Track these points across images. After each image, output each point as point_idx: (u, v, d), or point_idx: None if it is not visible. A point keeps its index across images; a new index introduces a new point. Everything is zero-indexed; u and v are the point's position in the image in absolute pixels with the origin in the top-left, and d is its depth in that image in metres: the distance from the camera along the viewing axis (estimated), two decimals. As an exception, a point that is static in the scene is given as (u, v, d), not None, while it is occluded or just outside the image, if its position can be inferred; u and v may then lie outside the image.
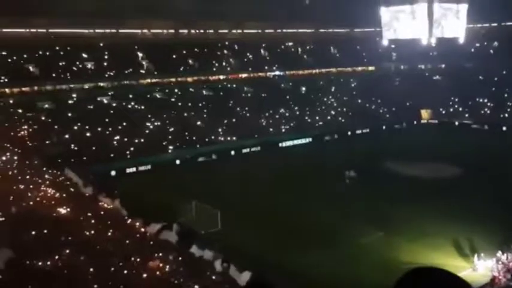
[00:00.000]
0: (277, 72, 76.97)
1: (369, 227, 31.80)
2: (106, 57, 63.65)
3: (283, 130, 65.08)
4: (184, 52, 69.92)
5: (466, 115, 72.92)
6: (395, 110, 75.24)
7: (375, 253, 28.43)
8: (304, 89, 75.40)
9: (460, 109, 74.81)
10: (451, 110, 75.43)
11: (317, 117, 69.66)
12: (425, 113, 76.02)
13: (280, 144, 61.54)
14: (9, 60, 56.56)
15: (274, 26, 78.82)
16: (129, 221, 31.49)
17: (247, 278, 23.40)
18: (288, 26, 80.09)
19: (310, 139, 64.44)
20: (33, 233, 23.25)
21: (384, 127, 71.41)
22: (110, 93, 61.34)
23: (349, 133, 68.10)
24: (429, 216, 32.88)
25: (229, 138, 59.35)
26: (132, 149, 51.91)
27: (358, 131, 69.10)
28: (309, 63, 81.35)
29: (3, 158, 38.05)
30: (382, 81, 79.74)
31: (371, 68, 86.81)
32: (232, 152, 57.02)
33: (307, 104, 71.62)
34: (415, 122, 74.68)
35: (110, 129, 53.77)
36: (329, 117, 70.98)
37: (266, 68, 76.61)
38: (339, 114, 72.48)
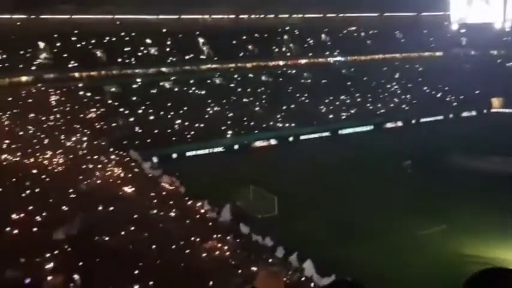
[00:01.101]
0: (338, 58, 75.46)
1: (429, 220, 30.76)
2: (168, 43, 64.99)
3: (343, 117, 63.96)
4: (244, 37, 70.07)
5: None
6: (464, 98, 71.87)
7: (435, 246, 27.49)
8: (366, 75, 73.38)
9: (535, 98, 70.31)
10: (525, 98, 71.05)
11: (379, 105, 67.83)
12: (496, 102, 72.11)
13: (339, 132, 60.60)
14: (78, 45, 59.07)
15: (336, 10, 77.09)
16: (189, 202, 32.25)
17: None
18: (350, 10, 78.03)
19: (371, 127, 63.00)
20: (100, 209, 24.32)
21: (450, 116, 68.54)
22: (171, 79, 62.72)
23: (413, 121, 65.91)
24: (494, 211, 31.18)
25: (287, 125, 59.13)
26: (192, 133, 52.98)
27: (423, 120, 66.68)
28: (372, 48, 79.02)
29: (74, 139, 40.06)
30: (450, 67, 76.17)
31: (438, 54, 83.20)
32: (291, 139, 56.83)
33: (369, 90, 69.83)
34: (485, 111, 71.08)
35: (172, 113, 55.08)
36: (392, 105, 68.93)
37: (327, 53, 75.28)
38: (403, 102, 70.21)
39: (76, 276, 16.62)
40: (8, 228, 18.85)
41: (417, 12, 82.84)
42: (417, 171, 41.66)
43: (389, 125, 64.32)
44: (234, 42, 68.77)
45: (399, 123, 65.27)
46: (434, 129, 60.68)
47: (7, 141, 33.30)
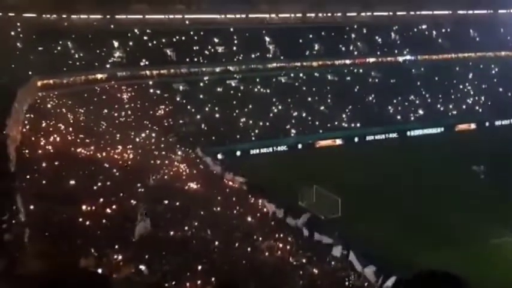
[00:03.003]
0: (408, 57, 72.91)
1: (500, 227, 29.07)
2: (235, 41, 65.73)
3: (412, 118, 61.80)
4: (310, 36, 69.46)
5: None
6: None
7: (507, 255, 25.92)
8: (437, 75, 70.31)
9: None
10: None
11: (450, 106, 64.95)
12: None
13: (408, 133, 58.62)
14: (149, 44, 61.16)
15: (407, 8, 74.55)
16: (252, 200, 32.42)
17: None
18: (422, 8, 75.18)
19: (442, 129, 60.42)
20: (167, 204, 24.97)
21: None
22: (237, 77, 63.39)
23: (486, 124, 62.53)
24: None
25: (353, 125, 57.99)
26: (256, 131, 53.26)
27: (497, 122, 63.11)
28: (444, 47, 75.69)
29: (143, 135, 41.50)
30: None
31: (516, 53, 78.30)
32: (356, 139, 55.67)
33: (440, 91, 66.91)
34: None
35: (237, 111, 55.66)
36: (464, 106, 65.75)
37: (396, 52, 72.98)
38: (476, 103, 66.79)
39: (143, 267, 17.15)
40: (80, 219, 19.75)
41: (493, 10, 78.35)
42: (489, 175, 39.50)
43: (461, 127, 61.35)
44: (300, 40, 68.35)
45: (472, 126, 62.10)
46: (509, 132, 57.20)
47: (81, 136, 35.03)
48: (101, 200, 22.56)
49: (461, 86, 69.84)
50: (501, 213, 31.42)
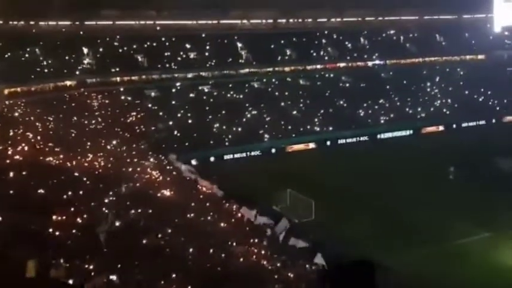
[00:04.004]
0: (377, 62, 74.25)
1: (473, 227, 29.83)
2: (207, 47, 65.63)
3: (382, 121, 62.91)
4: (282, 42, 69.99)
5: None
6: (507, 101, 69.37)
7: (479, 254, 26.58)
8: (406, 78, 71.81)
9: None
10: None
11: (419, 109, 66.37)
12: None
13: (378, 136, 59.62)
14: (120, 50, 60.49)
15: (375, 14, 75.96)
16: (226, 206, 32.35)
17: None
18: (390, 13, 76.73)
19: (411, 131, 61.67)
20: (139, 211, 24.66)
21: (493, 120, 66.35)
22: (210, 82, 63.29)
23: (454, 126, 64.14)
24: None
25: (325, 129, 58.62)
26: (230, 136, 53.26)
27: (465, 124, 64.82)
28: (412, 51, 77.43)
29: (114, 142, 40.89)
30: (493, 70, 73.68)
31: (481, 57, 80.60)
32: (328, 143, 56.30)
33: (409, 94, 68.38)
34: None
35: (210, 117, 55.53)
36: (432, 109, 67.28)
37: (366, 57, 74.25)
38: (444, 106, 68.42)
39: (114, 278, 16.88)
40: (50, 230, 19.34)
41: (458, 15, 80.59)
42: (458, 176, 40.51)
43: (429, 129, 62.75)
44: (272, 46, 68.78)
45: (440, 128, 63.63)
46: (477, 134, 58.83)
47: (51, 144, 34.28)
48: (71, 209, 22.12)
49: (428, 89, 71.53)
50: (470, 212, 32.22)
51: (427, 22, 79.54)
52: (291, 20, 72.16)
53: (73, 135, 39.66)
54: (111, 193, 26.41)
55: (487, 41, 75.32)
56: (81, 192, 24.99)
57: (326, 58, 72.24)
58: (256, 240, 26.30)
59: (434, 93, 71.10)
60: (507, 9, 69.43)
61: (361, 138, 58.23)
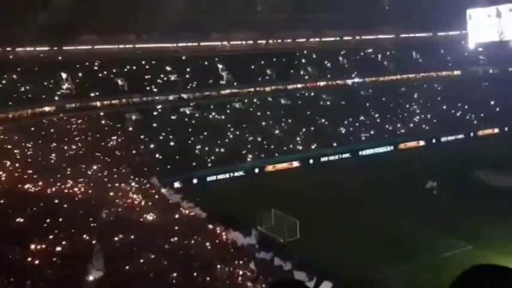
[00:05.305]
0: (356, 80, 75.34)
1: (454, 240, 30.04)
2: (188, 69, 65.84)
3: (363, 138, 63.51)
4: (262, 62, 70.65)
5: None
6: (484, 116, 70.78)
7: (459, 268, 26.64)
8: (385, 95, 72.97)
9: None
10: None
11: (399, 125, 67.26)
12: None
13: (360, 153, 60.07)
14: (100, 74, 60.25)
15: (352, 33, 77.37)
16: (210, 228, 32.03)
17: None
18: (367, 32, 78.24)
19: (392, 147, 62.33)
20: (121, 237, 24.25)
21: (471, 134, 67.53)
22: (192, 104, 63.30)
23: (433, 141, 65.06)
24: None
25: (308, 147, 58.91)
26: (213, 157, 53.10)
27: (443, 139, 65.83)
28: (390, 69, 78.90)
29: (95, 167, 40.37)
30: (469, 86, 75.28)
31: (456, 73, 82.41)
32: (311, 161, 56.50)
33: (389, 111, 69.38)
34: (506, 129, 69.73)
35: (192, 138, 55.39)
36: (411, 125, 68.25)
37: (345, 75, 75.31)
38: (423, 121, 69.46)
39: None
40: (29, 259, 18.88)
41: (433, 32, 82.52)
42: (439, 190, 40.92)
43: (410, 144, 63.52)
44: (253, 67, 69.33)
45: (421, 143, 64.47)
46: (455, 147, 59.73)
47: (29, 171, 33.71)
48: (51, 237, 21.66)
49: (407, 106, 72.63)
50: (452, 226, 32.47)
51: (403, 40, 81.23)
52: (270, 41, 73.04)
53: (52, 161, 39.11)
54: (91, 219, 25.96)
55: (462, 57, 77.01)
56: (60, 220, 24.51)
57: (306, 77, 73.06)
58: (241, 262, 26.03)
59: (413, 109, 72.22)
60: (480, 26, 71.16)
61: (343, 156, 58.58)
